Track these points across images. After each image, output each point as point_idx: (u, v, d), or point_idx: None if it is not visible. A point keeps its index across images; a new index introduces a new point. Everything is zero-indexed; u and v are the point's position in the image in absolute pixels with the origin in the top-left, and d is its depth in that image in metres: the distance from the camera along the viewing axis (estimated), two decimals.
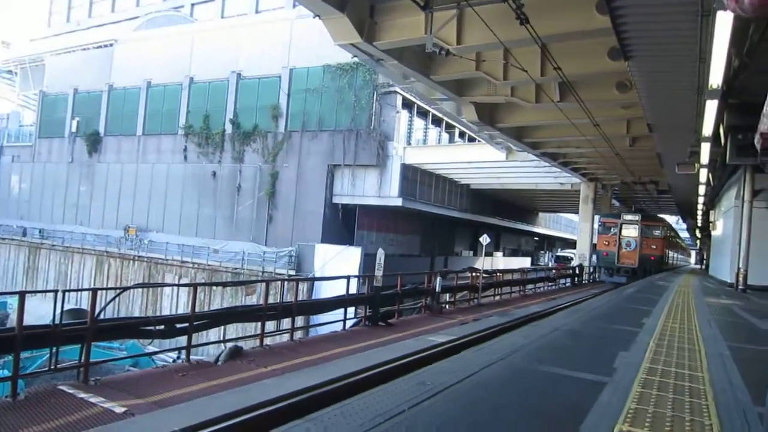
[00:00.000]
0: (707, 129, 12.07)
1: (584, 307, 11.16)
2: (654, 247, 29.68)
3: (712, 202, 31.15)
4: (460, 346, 7.30)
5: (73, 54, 48.12)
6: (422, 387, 3.70)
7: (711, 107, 10.61)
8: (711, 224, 32.17)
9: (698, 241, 60.92)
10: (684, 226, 62.97)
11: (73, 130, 44.81)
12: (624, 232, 29.59)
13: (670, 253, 38.99)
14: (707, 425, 3.25)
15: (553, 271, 30.75)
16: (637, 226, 29.44)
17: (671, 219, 59.38)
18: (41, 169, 47.48)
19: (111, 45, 44.90)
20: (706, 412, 3.54)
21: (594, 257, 33.17)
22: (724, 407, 3.69)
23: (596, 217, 33.31)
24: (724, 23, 7.11)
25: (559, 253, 67.06)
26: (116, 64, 43.75)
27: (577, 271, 30.22)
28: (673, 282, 20.82)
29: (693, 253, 79.73)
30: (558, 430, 2.97)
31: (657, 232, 30.25)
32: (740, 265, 17.88)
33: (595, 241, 32.88)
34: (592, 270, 32.72)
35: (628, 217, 30.48)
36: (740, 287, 17.73)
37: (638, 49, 10.15)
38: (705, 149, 14.18)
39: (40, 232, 43.11)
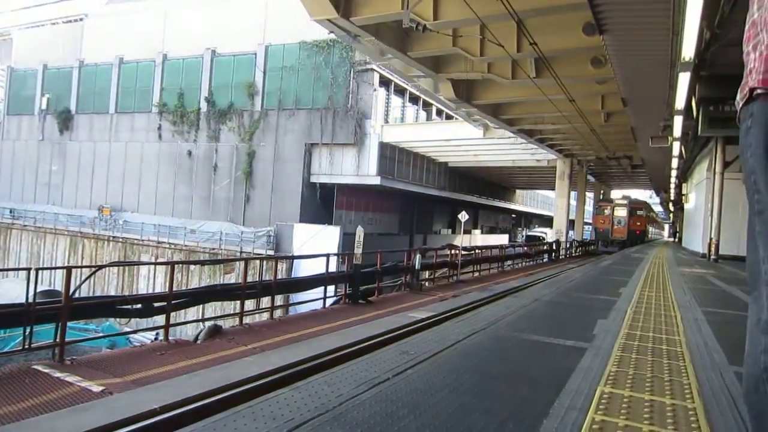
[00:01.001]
0: (680, 102, 12.25)
1: (563, 280, 11.32)
2: (639, 223, 37.76)
3: (684, 175, 31.94)
4: (441, 321, 7.33)
5: (41, 28, 46.72)
6: (406, 356, 3.70)
7: (683, 80, 10.75)
8: (684, 197, 33.30)
9: (671, 215, 62.39)
10: (657, 200, 64.09)
11: (43, 107, 43.76)
12: (616, 213, 37.47)
13: (650, 228, 48.57)
14: (686, 384, 3.32)
15: (524, 248, 31.48)
16: (626, 208, 37.44)
17: (645, 193, 60.95)
18: (10, 147, 46.33)
19: (81, 19, 43.65)
20: (684, 372, 3.61)
21: (571, 233, 36.48)
22: (701, 368, 3.78)
23: (573, 194, 35.61)
24: None
25: (530, 232, 67.13)
26: (87, 39, 42.67)
27: (554, 247, 30.63)
28: (647, 254, 21.25)
29: (666, 227, 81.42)
30: (541, 393, 3.00)
31: (640, 212, 38.35)
32: (712, 236, 18.31)
33: (572, 217, 37.64)
34: (569, 245, 33.33)
35: (619, 201, 38.94)
36: (712, 257, 18.18)
37: (612, 22, 10.22)
38: (677, 122, 14.40)
39: (10, 212, 42.16)
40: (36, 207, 41.86)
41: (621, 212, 37.29)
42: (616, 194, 54.97)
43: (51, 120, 43.49)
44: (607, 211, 37.82)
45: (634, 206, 38.22)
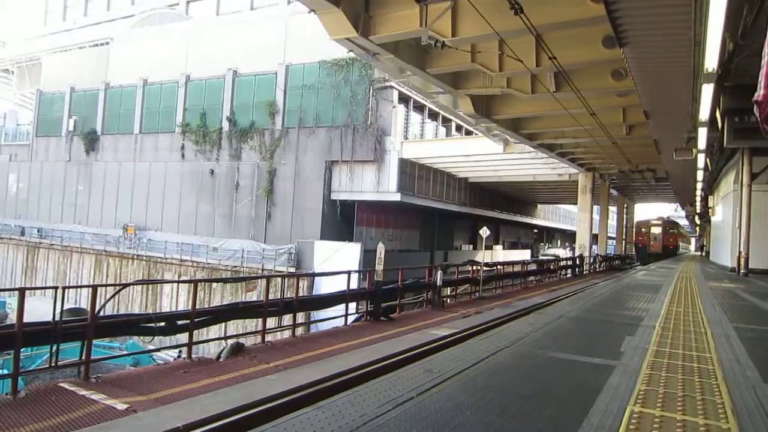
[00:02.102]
0: (704, 113, 12.06)
1: (588, 295, 11.13)
2: (671, 240, 46.67)
3: (710, 187, 31.39)
4: (464, 338, 7.24)
5: (69, 52, 48.28)
6: (430, 374, 3.66)
7: (707, 91, 10.60)
8: (710, 210, 32.74)
9: (697, 228, 61.52)
10: (683, 213, 62.89)
11: (71, 128, 44.83)
12: (652, 231, 46.42)
13: (680, 243, 55.42)
14: (719, 403, 3.22)
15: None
16: (660, 227, 46.44)
17: (669, 207, 60.89)
18: (39, 167, 47.44)
19: (107, 43, 45.04)
20: (717, 390, 3.50)
21: (594, 247, 37.18)
22: (734, 386, 3.66)
23: (596, 208, 36.03)
24: (718, 6, 7.06)
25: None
26: (113, 62, 43.88)
27: (577, 262, 30.21)
28: (674, 268, 20.83)
29: (693, 240, 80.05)
30: (569, 412, 2.93)
31: (672, 230, 47.35)
32: (741, 249, 17.87)
33: (595, 231, 38.52)
34: (592, 260, 32.92)
35: (654, 221, 47.83)
36: (742, 271, 17.73)
37: (633, 35, 10.13)
38: (702, 134, 14.17)
39: (38, 231, 43.11)
40: (63, 226, 42.67)
41: (656, 230, 46.32)
42: (639, 208, 56.28)
43: (78, 141, 44.47)
44: (644, 230, 47.07)
45: (667, 225, 47.19)
